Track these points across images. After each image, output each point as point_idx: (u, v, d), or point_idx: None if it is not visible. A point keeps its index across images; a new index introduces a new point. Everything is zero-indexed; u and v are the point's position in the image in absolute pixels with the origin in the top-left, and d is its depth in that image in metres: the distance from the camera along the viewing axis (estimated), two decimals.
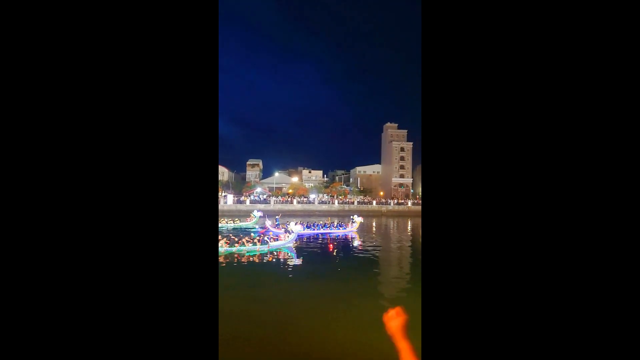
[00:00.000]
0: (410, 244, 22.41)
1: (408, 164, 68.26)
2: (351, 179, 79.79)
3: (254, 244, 17.10)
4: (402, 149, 68.24)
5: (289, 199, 48.10)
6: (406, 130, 70.43)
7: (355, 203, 49.21)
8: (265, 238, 18.31)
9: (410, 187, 67.55)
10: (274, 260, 15.42)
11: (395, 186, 66.34)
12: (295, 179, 71.31)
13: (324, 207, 46.29)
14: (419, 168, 71.38)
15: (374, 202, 50.76)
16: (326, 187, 67.73)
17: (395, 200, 52.71)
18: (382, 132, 74.58)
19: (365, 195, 58.58)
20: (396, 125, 71.26)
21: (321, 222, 27.89)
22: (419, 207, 50.24)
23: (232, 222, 28.96)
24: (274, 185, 62.02)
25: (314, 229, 25.66)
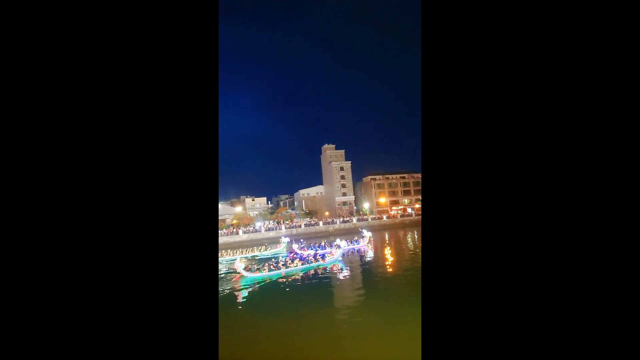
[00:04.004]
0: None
1: (349, 182, 70.62)
2: (296, 202, 79.80)
3: (286, 266, 20.07)
4: (341, 168, 70.53)
5: (234, 230, 46.40)
6: (344, 150, 73.29)
7: (302, 226, 49.17)
8: (312, 257, 22.29)
9: (354, 204, 69.70)
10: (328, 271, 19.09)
11: (339, 205, 67.91)
12: (238, 209, 69.18)
13: (271, 234, 45.49)
14: (359, 184, 74.16)
15: (321, 222, 51.25)
16: (271, 213, 66.75)
17: (341, 219, 53.82)
18: (321, 153, 76.63)
19: (311, 217, 58.89)
20: (333, 146, 73.79)
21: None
22: (364, 223, 51.88)
23: (264, 249, 31.51)
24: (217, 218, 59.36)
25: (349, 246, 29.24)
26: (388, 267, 20.32)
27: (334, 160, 70.77)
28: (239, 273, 18.86)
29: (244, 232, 45.38)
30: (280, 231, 46.39)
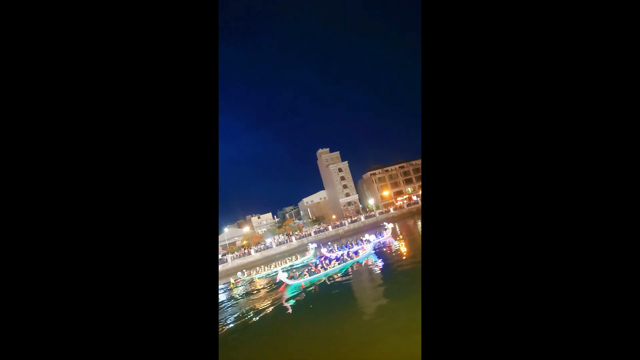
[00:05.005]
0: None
1: (349, 182, 70.68)
2: (301, 212, 79.79)
3: (325, 269, 20.62)
4: (340, 170, 70.65)
5: (246, 251, 46.28)
6: (338, 152, 73.46)
7: (312, 234, 49.04)
8: (346, 255, 23.08)
9: (359, 203, 69.64)
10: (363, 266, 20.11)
11: (344, 206, 67.87)
12: (246, 229, 69.19)
13: (283, 247, 45.34)
14: (360, 182, 74.17)
15: (330, 227, 51.13)
16: (279, 227, 66.75)
17: (349, 219, 53.73)
18: (317, 159, 76.75)
19: (319, 223, 58.84)
20: (328, 149, 74.00)
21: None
22: (372, 219, 51.77)
23: (295, 258, 31.77)
24: (227, 242, 59.33)
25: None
26: (408, 257, 20.54)
27: (331, 163, 70.91)
28: (283, 283, 19.56)
29: (256, 251, 45.24)
30: (292, 243, 46.25)
